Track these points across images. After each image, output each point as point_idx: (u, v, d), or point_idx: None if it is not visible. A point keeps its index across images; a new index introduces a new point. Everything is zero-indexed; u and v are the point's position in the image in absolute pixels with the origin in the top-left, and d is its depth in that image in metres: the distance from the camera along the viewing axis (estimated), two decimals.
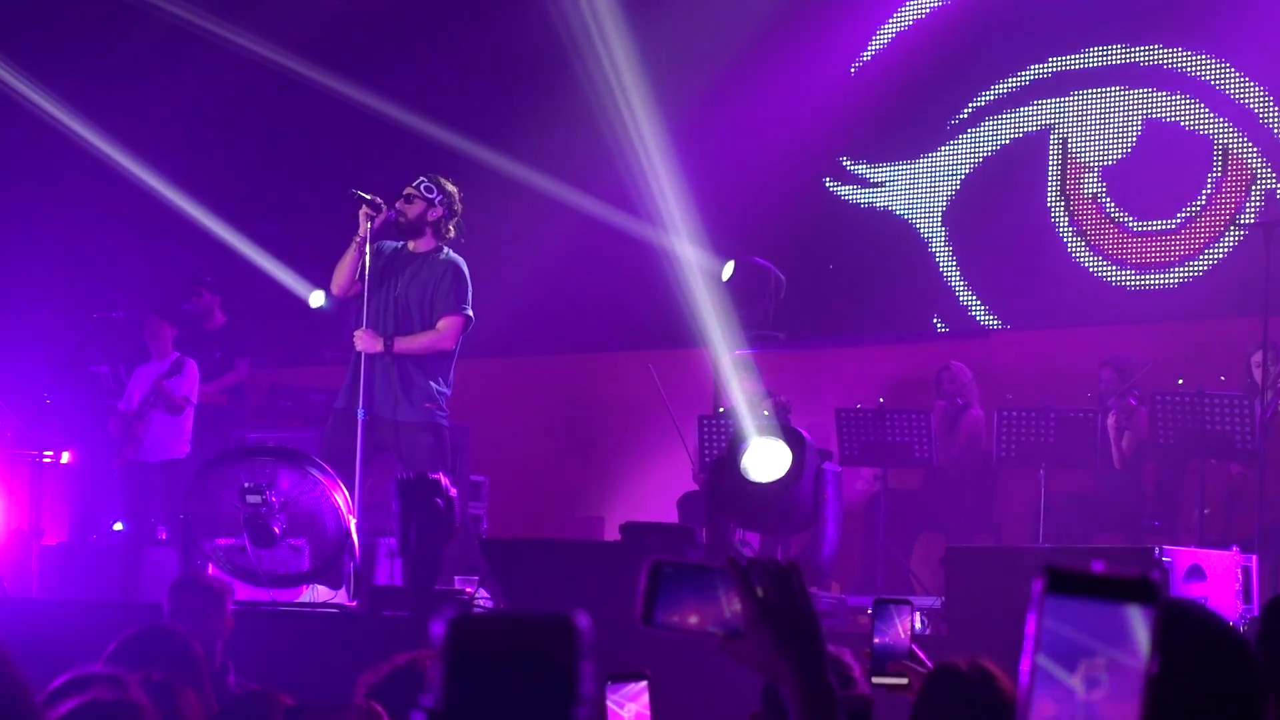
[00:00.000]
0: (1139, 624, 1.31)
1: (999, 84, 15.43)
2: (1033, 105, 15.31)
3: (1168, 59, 14.76)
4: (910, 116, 15.80)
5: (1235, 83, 14.51)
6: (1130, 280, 14.82)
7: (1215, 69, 14.57)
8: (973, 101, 15.54)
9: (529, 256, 15.79)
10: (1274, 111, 14.35)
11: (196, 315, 14.91)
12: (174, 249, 16.86)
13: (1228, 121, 14.50)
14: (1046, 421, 12.21)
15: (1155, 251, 14.76)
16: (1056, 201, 15.20)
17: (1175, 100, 14.71)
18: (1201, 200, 14.60)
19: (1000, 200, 15.44)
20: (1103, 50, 15.01)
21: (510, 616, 1.33)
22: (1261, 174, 14.32)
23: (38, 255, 17.20)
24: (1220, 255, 14.41)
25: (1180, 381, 12.19)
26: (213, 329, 14.99)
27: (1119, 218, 14.92)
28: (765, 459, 9.84)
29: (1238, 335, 12.45)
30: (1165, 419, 11.48)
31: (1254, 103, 14.44)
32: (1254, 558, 9.96)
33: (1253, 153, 14.39)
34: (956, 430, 13.34)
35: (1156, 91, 14.81)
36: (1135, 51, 14.90)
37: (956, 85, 15.62)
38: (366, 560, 10.90)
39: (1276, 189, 14.21)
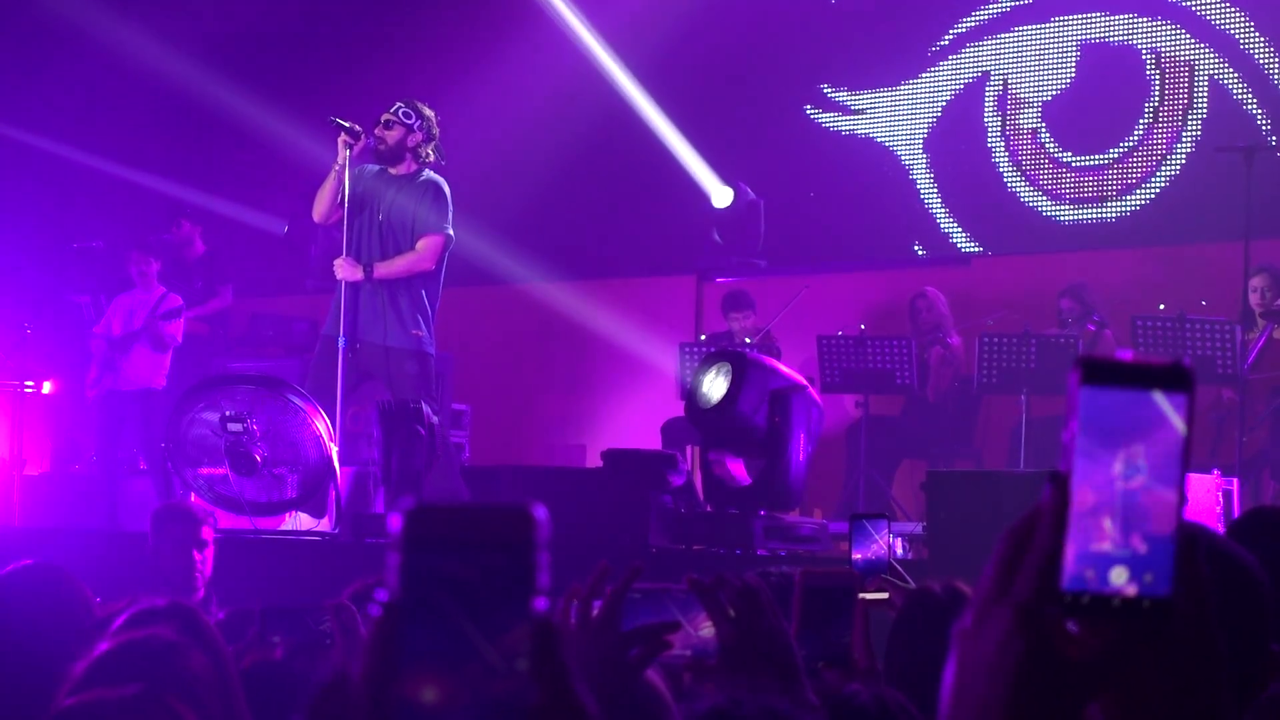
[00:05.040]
0: (1173, 408, 1.33)
1: (981, 10, 15.38)
2: (1013, 32, 15.27)
3: None
4: (891, 43, 15.76)
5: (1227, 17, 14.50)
6: (1107, 208, 14.83)
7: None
8: (954, 28, 15.50)
9: (511, 182, 15.77)
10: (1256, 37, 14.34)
11: (176, 245, 14.87)
12: (153, 178, 16.82)
13: (1213, 51, 14.49)
14: (1028, 347, 12.23)
15: (1126, 174, 14.75)
16: (1031, 128, 15.19)
17: (1159, 25, 14.68)
18: (1148, 115, 14.63)
19: (978, 126, 15.41)
20: None
21: (467, 506, 1.32)
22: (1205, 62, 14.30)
23: (16, 184, 17.15)
24: (1176, 170, 14.42)
25: (1161, 307, 12.21)
26: (192, 259, 14.96)
27: (1069, 150, 14.92)
28: (712, 384, 9.88)
29: (1219, 259, 12.47)
30: (1147, 344, 11.50)
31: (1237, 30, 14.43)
32: (1235, 481, 10.00)
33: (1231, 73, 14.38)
34: (943, 365, 13.36)
35: (1138, 17, 14.77)
36: None
37: (938, 11, 15.58)
38: (357, 489, 10.92)
39: (1258, 116, 14.20)
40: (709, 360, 10.15)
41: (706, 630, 2.70)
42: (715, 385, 9.85)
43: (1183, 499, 1.33)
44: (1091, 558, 1.32)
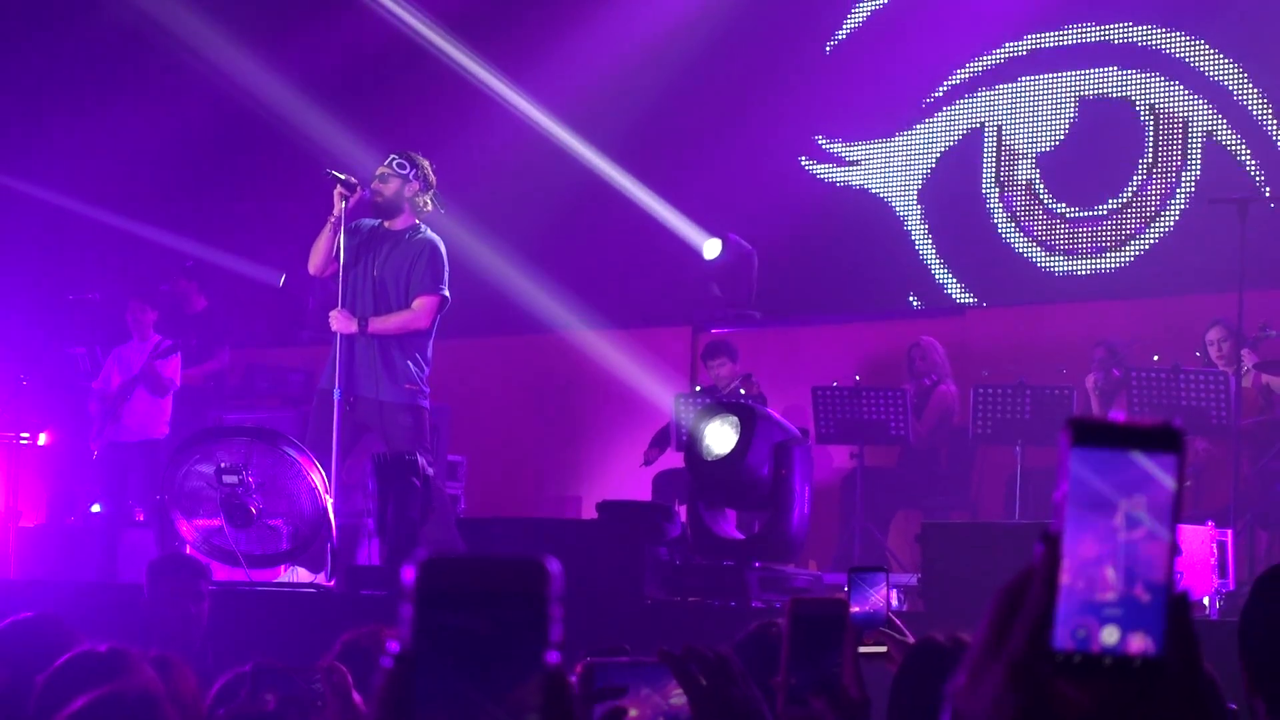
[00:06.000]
0: (1163, 469, 1.34)
1: (974, 61, 15.44)
2: (1009, 84, 15.32)
3: (1141, 36, 14.78)
4: (885, 94, 15.80)
5: (1219, 67, 14.55)
6: (1102, 260, 14.86)
7: (1194, 48, 14.60)
8: (948, 79, 15.55)
9: (509, 233, 15.77)
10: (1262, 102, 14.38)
11: (175, 299, 14.89)
12: (150, 230, 16.84)
13: (1210, 104, 14.53)
14: (1022, 398, 12.23)
15: (1120, 227, 14.79)
16: (1025, 179, 15.23)
17: (1153, 79, 14.73)
18: (1143, 168, 14.68)
19: (974, 178, 15.45)
20: (1079, 28, 15.03)
21: (480, 558, 1.34)
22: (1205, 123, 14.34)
23: (12, 235, 17.16)
24: (1171, 222, 14.46)
25: (1156, 358, 12.23)
26: (192, 314, 14.98)
27: (1065, 203, 14.96)
28: (717, 436, 9.86)
29: (1213, 310, 12.48)
30: (1141, 395, 11.51)
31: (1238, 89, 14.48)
32: (1229, 532, 10.00)
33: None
34: (926, 408, 13.36)
35: (1132, 69, 14.82)
36: (1110, 30, 14.92)
37: (932, 63, 15.63)
38: (348, 540, 10.90)
39: (1251, 168, 14.24)
40: (710, 411, 10.13)
41: (678, 699, 2.72)
42: (721, 437, 9.84)
43: (1174, 553, 1.35)
44: (1084, 615, 1.34)
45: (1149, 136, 14.69)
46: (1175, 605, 1.34)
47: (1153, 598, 1.34)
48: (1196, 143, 14.49)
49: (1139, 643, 1.33)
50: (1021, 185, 15.24)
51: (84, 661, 4.15)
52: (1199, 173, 14.43)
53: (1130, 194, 14.72)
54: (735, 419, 9.83)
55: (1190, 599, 1.38)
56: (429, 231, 11.12)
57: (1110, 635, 1.33)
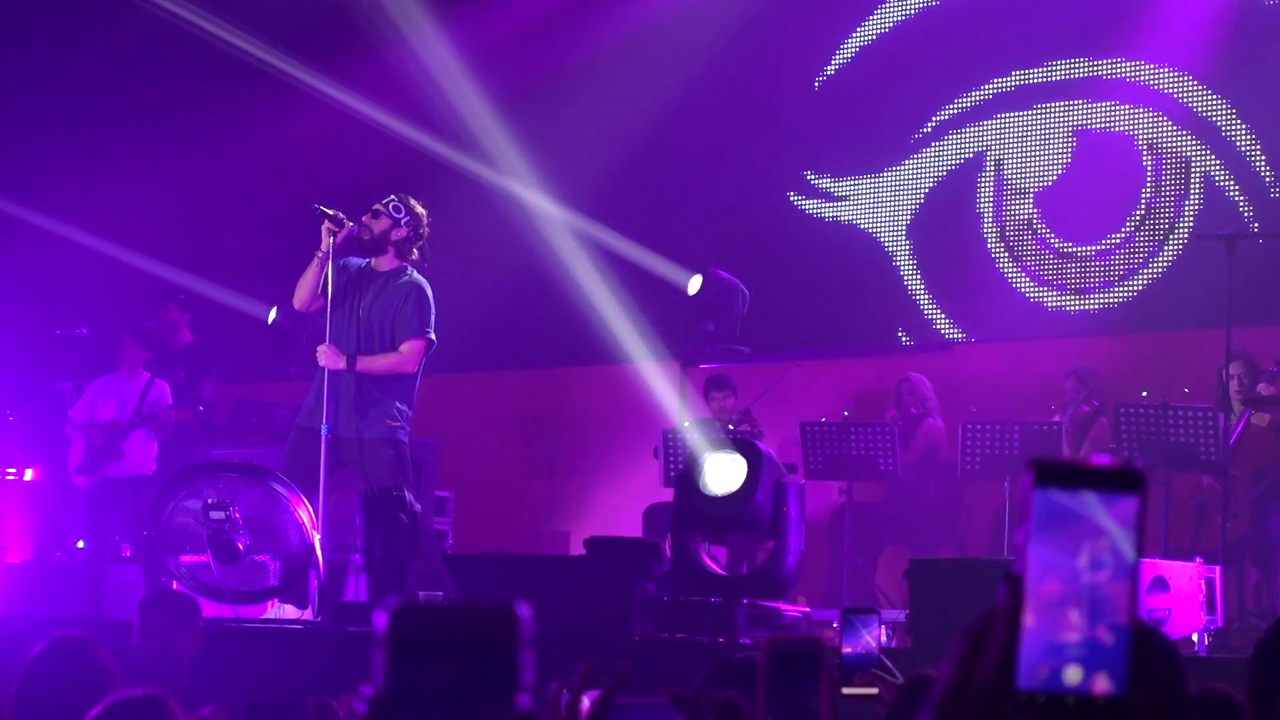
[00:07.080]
0: (1125, 509, 1.35)
1: (962, 97, 15.47)
2: (996, 119, 15.34)
3: (1130, 72, 14.81)
4: (874, 130, 15.83)
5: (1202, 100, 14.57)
6: (1088, 299, 14.87)
7: (1183, 83, 14.63)
8: (936, 115, 15.57)
9: (494, 269, 15.78)
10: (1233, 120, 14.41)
11: (162, 331, 14.85)
12: (138, 265, 16.82)
13: (1193, 135, 14.56)
14: (1011, 434, 12.23)
15: (1111, 263, 14.80)
16: (1017, 212, 15.24)
17: (1145, 114, 14.75)
18: (1140, 209, 14.69)
19: (963, 213, 15.46)
20: (1067, 64, 15.06)
21: (452, 605, 1.34)
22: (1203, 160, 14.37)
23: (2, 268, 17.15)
24: (1168, 261, 14.47)
25: (1144, 394, 12.24)
26: (179, 347, 14.93)
27: (1060, 239, 14.97)
28: (722, 473, 9.86)
29: (1202, 346, 12.50)
30: (1129, 431, 11.49)
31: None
32: (1217, 569, 9.99)
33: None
34: (912, 440, 13.37)
35: (1121, 104, 14.85)
36: (1100, 65, 14.94)
37: (920, 99, 15.65)
38: (335, 576, 10.88)
39: (1240, 203, 14.26)
40: (712, 446, 10.12)
41: None
42: (726, 474, 9.82)
43: (1135, 593, 1.35)
44: (1048, 655, 1.34)
45: (1148, 172, 14.69)
46: (1138, 644, 1.35)
47: (1116, 638, 1.34)
48: (1197, 179, 14.49)
49: (1103, 682, 1.33)
50: (1011, 220, 15.25)
51: (122, 709, 4.16)
52: (1199, 207, 14.43)
53: (1129, 230, 14.71)
54: (742, 457, 9.84)
55: (1154, 636, 1.39)
56: (416, 274, 11.08)
57: (1074, 675, 1.34)
